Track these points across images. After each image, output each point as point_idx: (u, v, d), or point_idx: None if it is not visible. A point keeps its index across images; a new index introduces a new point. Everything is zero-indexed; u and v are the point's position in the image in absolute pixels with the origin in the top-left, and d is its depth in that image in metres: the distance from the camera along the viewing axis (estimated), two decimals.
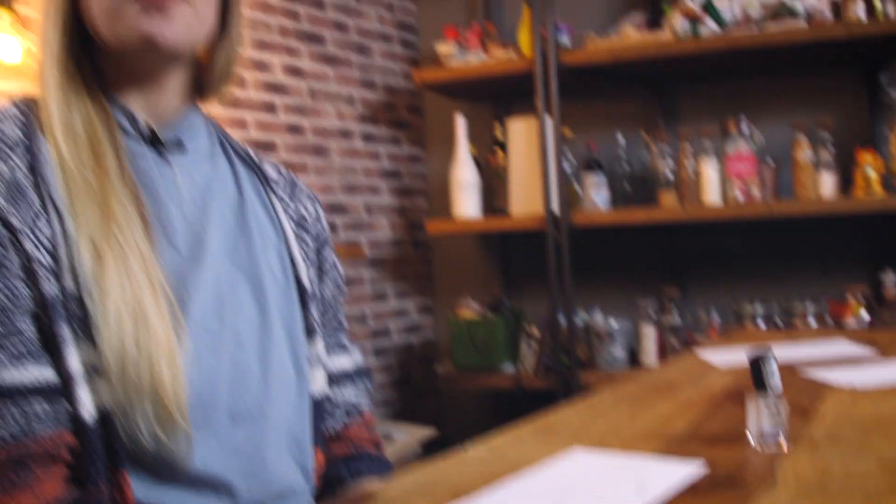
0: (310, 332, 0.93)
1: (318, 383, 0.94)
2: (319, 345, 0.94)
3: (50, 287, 0.74)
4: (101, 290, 0.74)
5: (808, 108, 2.71)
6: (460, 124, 2.79)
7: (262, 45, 2.60)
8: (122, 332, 0.74)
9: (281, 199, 0.97)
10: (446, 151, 3.03)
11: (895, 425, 0.85)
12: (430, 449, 2.84)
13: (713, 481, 0.70)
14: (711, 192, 2.62)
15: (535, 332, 2.79)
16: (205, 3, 0.85)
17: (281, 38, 2.67)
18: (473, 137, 2.90)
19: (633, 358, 2.76)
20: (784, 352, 1.34)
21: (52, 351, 0.74)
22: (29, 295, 0.74)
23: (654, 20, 2.78)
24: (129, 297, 0.75)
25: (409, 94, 3.23)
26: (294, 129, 2.70)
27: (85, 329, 0.74)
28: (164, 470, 0.76)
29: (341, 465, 0.98)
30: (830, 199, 2.47)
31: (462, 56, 2.74)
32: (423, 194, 3.31)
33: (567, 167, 2.74)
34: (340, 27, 2.93)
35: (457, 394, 3.12)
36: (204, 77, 0.93)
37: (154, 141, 0.87)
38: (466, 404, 3.20)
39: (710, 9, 2.56)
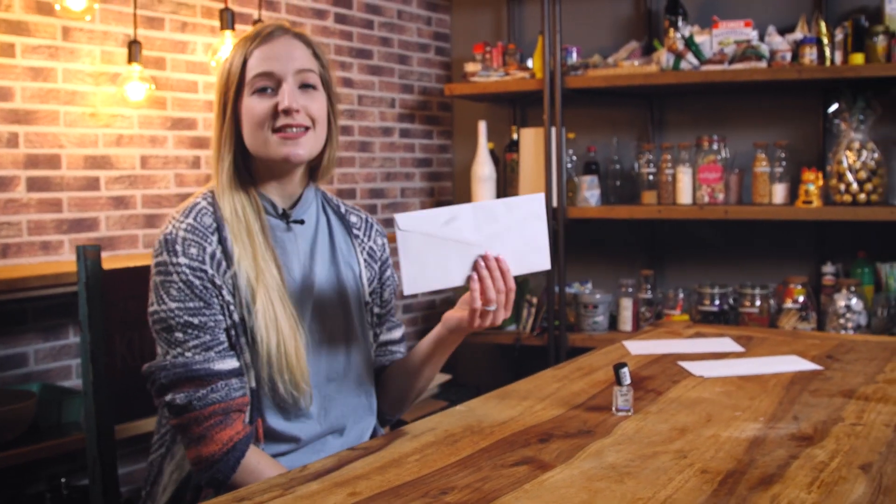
0: (371, 324, 1.56)
1: (373, 354, 1.58)
2: (372, 333, 1.58)
3: (235, 317, 1.37)
4: (256, 313, 1.37)
5: (769, 131, 3.27)
6: (482, 129, 3.39)
7: None
8: (269, 339, 1.37)
9: (357, 238, 1.58)
10: (471, 142, 3.63)
11: (700, 404, 1.47)
12: (446, 389, 3.52)
13: (579, 431, 1.33)
14: (684, 195, 3.22)
15: (534, 299, 3.42)
16: (320, 128, 1.45)
17: (336, 56, 3.27)
18: (494, 133, 3.49)
19: (613, 324, 3.39)
20: (677, 345, 1.95)
21: (235, 352, 1.37)
22: (223, 320, 1.36)
23: (649, 48, 3.34)
24: (271, 316, 1.38)
25: (441, 93, 3.81)
26: (344, 130, 3.31)
27: (247, 340, 1.37)
28: (292, 411, 1.41)
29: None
30: (777, 206, 3.05)
31: (485, 73, 3.32)
32: (449, 177, 3.93)
33: (569, 164, 3.34)
34: (385, 42, 3.51)
35: (469, 346, 3.77)
36: (317, 167, 1.53)
37: (285, 216, 1.48)
38: (476, 355, 3.86)
39: (691, 45, 3.11)
